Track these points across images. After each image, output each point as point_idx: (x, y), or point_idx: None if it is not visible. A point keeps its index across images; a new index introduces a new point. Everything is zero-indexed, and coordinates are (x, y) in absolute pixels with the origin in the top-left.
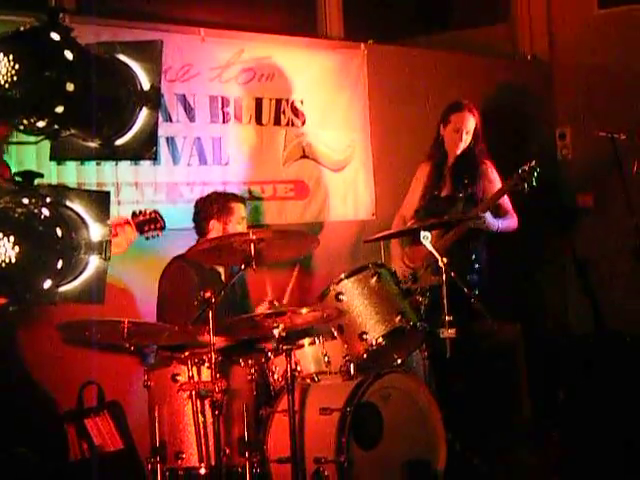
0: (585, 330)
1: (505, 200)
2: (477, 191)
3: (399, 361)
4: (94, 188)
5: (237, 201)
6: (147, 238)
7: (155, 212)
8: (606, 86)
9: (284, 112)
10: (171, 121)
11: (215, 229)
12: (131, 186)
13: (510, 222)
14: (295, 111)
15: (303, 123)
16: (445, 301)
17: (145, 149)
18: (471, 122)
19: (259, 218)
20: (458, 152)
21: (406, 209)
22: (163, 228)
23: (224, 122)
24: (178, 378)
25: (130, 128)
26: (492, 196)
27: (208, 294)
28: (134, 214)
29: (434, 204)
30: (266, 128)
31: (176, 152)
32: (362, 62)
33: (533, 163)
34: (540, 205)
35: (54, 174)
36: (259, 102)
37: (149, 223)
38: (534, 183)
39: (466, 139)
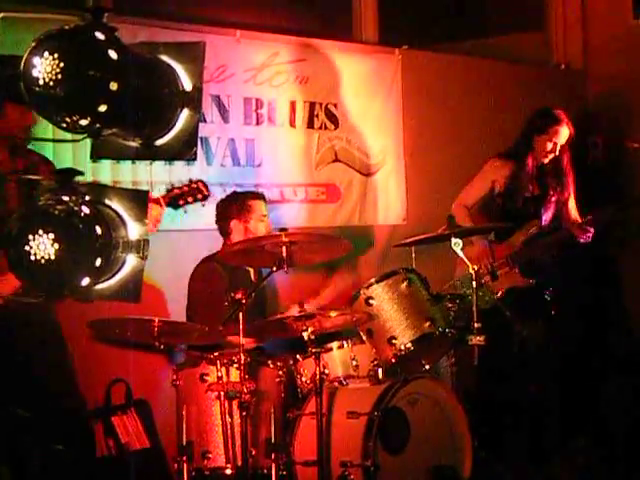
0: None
1: None
2: (563, 198)
3: (427, 367)
4: (130, 187)
5: (256, 198)
6: (185, 211)
7: (197, 182)
8: (639, 96)
9: (317, 115)
10: (205, 121)
11: (236, 229)
12: (165, 185)
13: None
14: (328, 114)
15: (336, 127)
16: (475, 308)
17: (185, 150)
18: (566, 135)
19: (290, 221)
20: (546, 161)
21: (468, 199)
22: (206, 198)
23: (257, 124)
24: (207, 378)
25: (171, 128)
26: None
27: (239, 295)
28: (167, 190)
29: (514, 202)
30: (299, 131)
31: (210, 152)
32: (396, 67)
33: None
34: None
35: (89, 172)
36: (293, 105)
37: (187, 195)
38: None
39: (557, 150)
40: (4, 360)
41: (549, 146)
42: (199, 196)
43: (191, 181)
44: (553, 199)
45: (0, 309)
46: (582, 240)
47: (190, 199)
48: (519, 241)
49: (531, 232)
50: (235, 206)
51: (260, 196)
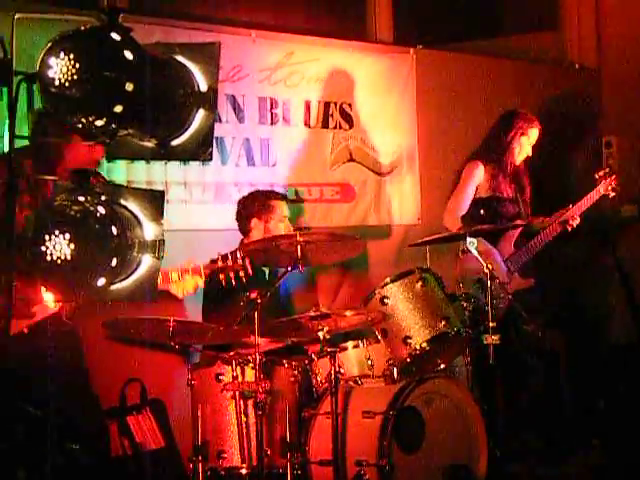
0: (627, 339)
1: None
2: (528, 198)
3: (442, 366)
4: (145, 187)
5: (278, 199)
6: (224, 284)
7: (244, 258)
8: None
9: (332, 115)
10: (220, 121)
11: (256, 228)
12: (180, 185)
13: None
14: (343, 114)
15: (351, 126)
16: (489, 308)
17: (201, 150)
18: (537, 135)
19: (305, 220)
20: (519, 162)
21: (460, 208)
22: (248, 276)
23: (272, 123)
24: (222, 378)
25: (187, 129)
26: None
27: (254, 294)
28: (212, 261)
29: (500, 205)
30: (314, 131)
31: (225, 152)
32: (411, 67)
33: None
34: (585, 214)
35: (104, 172)
36: (307, 104)
37: (229, 271)
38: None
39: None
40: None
41: (527, 148)
42: (241, 274)
43: (237, 256)
44: (525, 199)
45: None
46: (569, 229)
47: (232, 274)
48: (510, 244)
49: (517, 235)
50: (257, 204)
51: (282, 197)
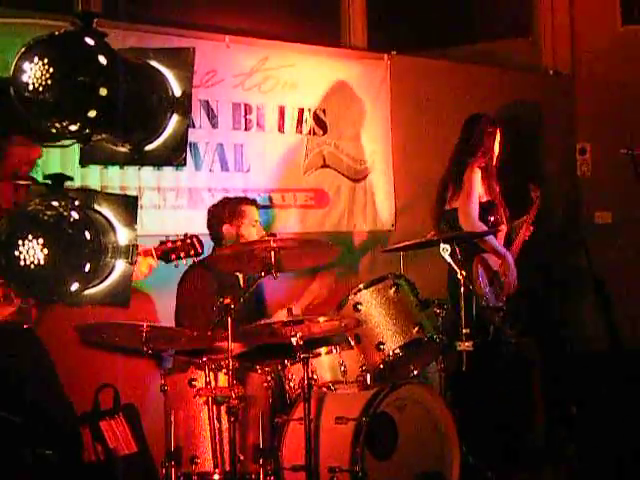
0: (601, 346)
1: None
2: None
3: (415, 372)
4: (119, 192)
5: (248, 204)
6: (176, 265)
7: (192, 237)
8: (628, 102)
9: (306, 121)
10: (194, 127)
11: (228, 233)
12: (154, 190)
13: None
14: (317, 120)
15: (325, 132)
16: (462, 313)
17: (175, 155)
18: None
19: (278, 226)
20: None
21: (475, 211)
22: (198, 255)
23: (246, 129)
24: (195, 383)
25: (160, 134)
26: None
27: (227, 300)
28: (161, 242)
29: (496, 209)
30: (288, 136)
31: (198, 158)
32: (385, 73)
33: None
34: (558, 221)
35: (78, 177)
36: (282, 110)
37: (179, 250)
38: None
39: None
40: None
41: (497, 148)
42: (192, 252)
43: (186, 235)
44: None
45: None
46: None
47: (182, 254)
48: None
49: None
50: (227, 211)
51: (252, 202)
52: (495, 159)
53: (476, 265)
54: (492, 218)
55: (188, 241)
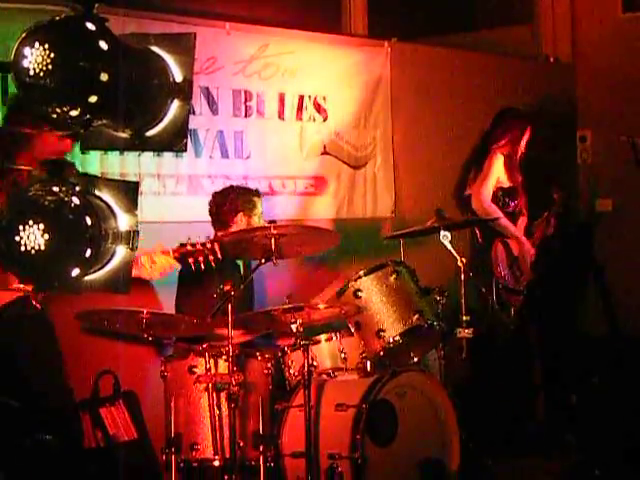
0: (601, 334)
1: None
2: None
3: (415, 359)
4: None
5: (257, 196)
6: (193, 268)
7: (214, 243)
8: (628, 90)
9: (306, 108)
10: (194, 113)
11: (240, 222)
12: (153, 177)
13: None
14: (317, 107)
15: (325, 119)
16: (463, 301)
17: (175, 141)
18: None
19: (278, 213)
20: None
21: (489, 195)
22: (218, 261)
23: (246, 116)
24: (195, 370)
25: (161, 119)
26: None
27: (227, 287)
28: (181, 244)
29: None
30: (288, 123)
31: (198, 145)
32: (385, 60)
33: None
34: (562, 208)
35: (78, 163)
36: (282, 97)
37: (198, 254)
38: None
39: None
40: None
41: (523, 146)
42: (211, 258)
43: (208, 240)
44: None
45: None
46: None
47: (200, 259)
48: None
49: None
50: (242, 200)
51: (260, 194)
52: (520, 154)
53: (495, 248)
54: (513, 204)
55: (209, 246)
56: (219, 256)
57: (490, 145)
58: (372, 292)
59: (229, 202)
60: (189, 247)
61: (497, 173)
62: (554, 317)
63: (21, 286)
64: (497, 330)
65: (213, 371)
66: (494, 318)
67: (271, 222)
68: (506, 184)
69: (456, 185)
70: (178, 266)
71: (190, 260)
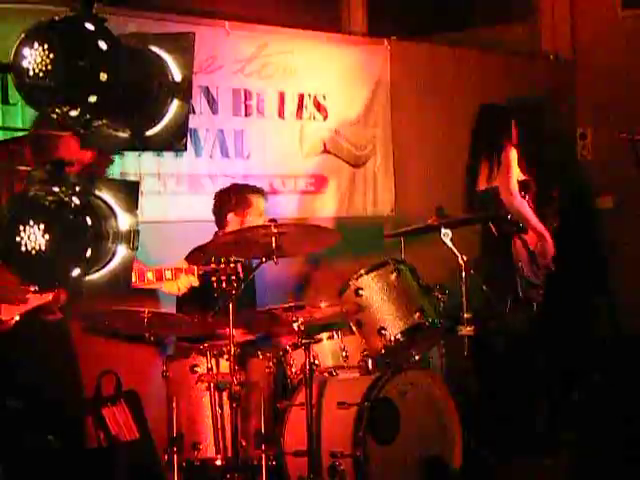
0: (602, 332)
1: None
2: None
3: (417, 357)
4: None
5: (256, 194)
6: (215, 286)
7: (237, 263)
8: (628, 87)
9: (306, 106)
10: (194, 113)
11: (233, 222)
12: (154, 177)
13: None
14: (317, 106)
15: (325, 118)
16: (464, 299)
17: (176, 140)
18: None
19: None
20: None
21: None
22: (239, 279)
23: (246, 115)
24: (197, 369)
25: (161, 119)
26: None
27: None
28: (206, 262)
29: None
30: (288, 122)
31: (198, 144)
32: (385, 58)
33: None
34: (559, 205)
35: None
36: (282, 96)
37: (221, 274)
38: None
39: None
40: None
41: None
42: (233, 277)
43: (229, 261)
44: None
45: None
46: None
47: (223, 278)
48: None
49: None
50: (234, 199)
51: (260, 191)
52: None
53: (514, 243)
54: (527, 196)
55: (232, 265)
56: (241, 275)
57: (501, 139)
58: (373, 290)
59: (221, 202)
60: (213, 266)
61: (515, 166)
62: (570, 314)
63: (40, 295)
64: (501, 329)
65: (215, 370)
66: (501, 317)
67: (271, 221)
68: (521, 177)
69: (463, 182)
70: (197, 283)
71: (213, 278)
